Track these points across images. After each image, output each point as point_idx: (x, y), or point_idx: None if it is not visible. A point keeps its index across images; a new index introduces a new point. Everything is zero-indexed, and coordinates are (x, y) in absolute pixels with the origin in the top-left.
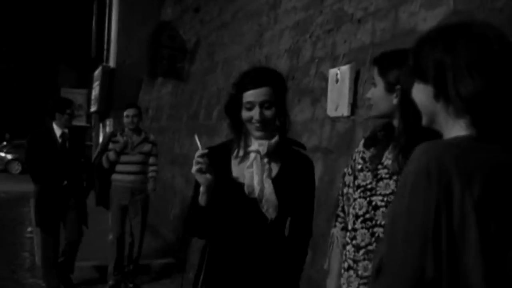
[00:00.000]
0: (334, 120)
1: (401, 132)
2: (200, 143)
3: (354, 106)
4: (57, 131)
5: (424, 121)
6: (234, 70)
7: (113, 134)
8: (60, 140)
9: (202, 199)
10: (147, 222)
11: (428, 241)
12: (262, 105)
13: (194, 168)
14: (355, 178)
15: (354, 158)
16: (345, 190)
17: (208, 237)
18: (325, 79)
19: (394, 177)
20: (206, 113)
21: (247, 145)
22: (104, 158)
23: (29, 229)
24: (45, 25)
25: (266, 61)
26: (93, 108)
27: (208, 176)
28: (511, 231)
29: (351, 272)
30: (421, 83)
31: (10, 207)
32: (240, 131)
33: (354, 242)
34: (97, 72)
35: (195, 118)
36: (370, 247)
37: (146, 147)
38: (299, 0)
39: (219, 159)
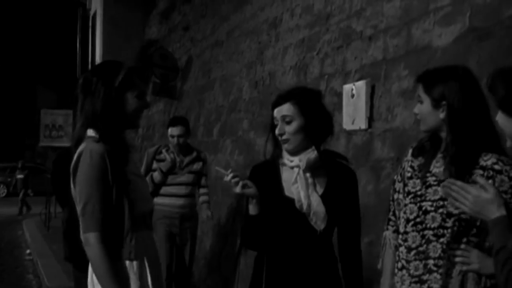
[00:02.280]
0: (351, 133)
1: (450, 143)
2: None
3: (370, 119)
4: None
5: (509, 144)
6: (234, 87)
7: (157, 151)
8: None
9: (253, 210)
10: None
11: None
12: (282, 120)
13: (239, 187)
14: (405, 185)
15: (403, 166)
16: (395, 196)
17: (263, 248)
18: (337, 94)
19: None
20: (205, 130)
21: (289, 161)
22: (148, 179)
23: (28, 251)
24: (23, 47)
25: (270, 78)
26: None
27: (253, 188)
28: None
29: (404, 271)
30: (509, 117)
31: (3, 231)
32: (278, 146)
33: (406, 244)
34: None
35: (193, 135)
36: (420, 248)
37: (197, 166)
38: (302, 18)
39: (267, 176)
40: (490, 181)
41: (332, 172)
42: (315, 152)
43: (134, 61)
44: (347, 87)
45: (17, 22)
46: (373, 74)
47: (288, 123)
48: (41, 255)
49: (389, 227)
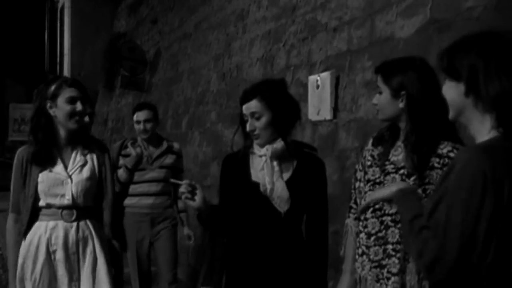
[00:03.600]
0: (316, 123)
1: (410, 132)
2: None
3: (335, 110)
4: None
5: (451, 115)
6: (202, 79)
7: (122, 146)
8: None
9: (204, 214)
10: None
11: (483, 228)
12: (252, 116)
13: (183, 199)
14: (365, 173)
15: (364, 155)
16: (357, 185)
17: (227, 230)
18: (303, 86)
19: (400, 171)
20: (173, 123)
21: (258, 150)
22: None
23: None
24: None
25: (237, 70)
26: None
27: (197, 199)
28: None
29: (364, 257)
30: (453, 81)
31: None
32: (247, 139)
33: (366, 230)
34: None
35: (162, 128)
36: (379, 234)
37: (169, 159)
38: (268, 10)
39: (237, 164)
40: (445, 168)
41: (300, 161)
42: (282, 142)
43: (103, 53)
44: (312, 78)
45: None
46: (337, 65)
47: (258, 119)
48: None
49: (351, 214)
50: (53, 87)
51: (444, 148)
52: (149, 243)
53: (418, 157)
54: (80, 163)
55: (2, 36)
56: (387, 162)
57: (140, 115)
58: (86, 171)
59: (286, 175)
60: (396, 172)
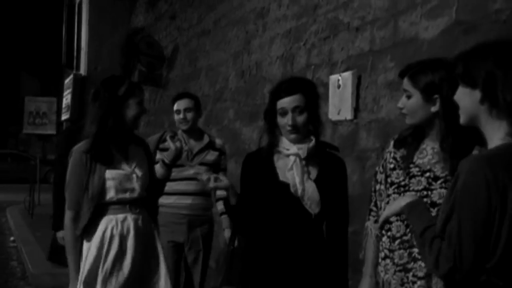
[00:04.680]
0: (336, 123)
1: (446, 135)
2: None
3: (356, 110)
4: None
5: (463, 120)
6: (220, 76)
7: (161, 139)
8: None
9: (233, 200)
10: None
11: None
12: (294, 110)
13: (211, 182)
14: (388, 176)
15: (385, 158)
16: (377, 187)
17: (256, 233)
18: (323, 85)
19: (426, 174)
20: None
21: (285, 149)
22: None
23: (12, 238)
24: (7, 34)
25: (256, 68)
26: (64, 117)
27: (224, 180)
28: None
29: (388, 260)
30: (467, 87)
31: None
32: (275, 135)
33: (389, 233)
34: (68, 80)
35: (172, 122)
36: (405, 238)
37: (210, 156)
38: (289, 8)
39: (261, 163)
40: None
41: (324, 161)
42: (313, 141)
43: (120, 49)
44: (333, 77)
45: (1, 9)
46: (359, 65)
47: (300, 113)
48: (25, 242)
49: (371, 217)
50: (123, 88)
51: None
52: (183, 249)
53: (458, 161)
54: (137, 158)
55: (19, 30)
56: (411, 165)
57: (180, 104)
58: (144, 165)
59: (313, 176)
60: (421, 175)
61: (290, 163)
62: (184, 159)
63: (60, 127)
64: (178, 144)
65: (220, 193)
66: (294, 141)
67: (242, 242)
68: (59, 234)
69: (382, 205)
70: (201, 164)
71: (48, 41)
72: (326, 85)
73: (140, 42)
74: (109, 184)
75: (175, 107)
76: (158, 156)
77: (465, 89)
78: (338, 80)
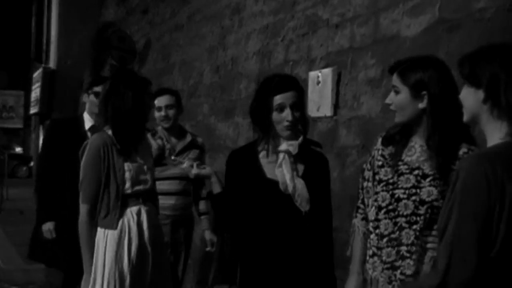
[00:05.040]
0: (316, 120)
1: (433, 132)
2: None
3: (336, 106)
4: (88, 122)
5: (466, 118)
6: (194, 72)
7: None
8: (89, 137)
9: (216, 188)
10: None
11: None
12: (292, 106)
13: (194, 169)
14: (375, 173)
15: (373, 155)
16: (365, 184)
17: (242, 230)
18: (302, 81)
19: (415, 172)
20: None
21: (275, 146)
22: None
23: None
24: None
25: (232, 63)
26: (33, 110)
27: (207, 168)
28: None
29: (375, 258)
30: (472, 87)
31: None
32: (269, 132)
33: (377, 231)
34: (37, 74)
35: (152, 119)
36: (392, 235)
37: (193, 154)
38: (266, 4)
39: (246, 160)
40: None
41: (308, 158)
42: (302, 138)
43: (91, 42)
44: (312, 74)
45: None
46: (339, 62)
47: (297, 110)
48: None
49: (358, 214)
50: (139, 84)
51: (460, 150)
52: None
53: (443, 158)
54: (144, 150)
55: None
56: (400, 163)
57: (161, 100)
58: (150, 158)
59: (300, 173)
60: (410, 173)
61: (280, 160)
62: (166, 157)
63: (28, 120)
64: (160, 142)
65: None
66: (289, 138)
67: (225, 243)
68: (45, 227)
69: (370, 202)
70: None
71: (16, 34)
72: (304, 82)
73: (111, 36)
74: (128, 176)
75: (156, 103)
76: None
77: (470, 89)
78: (318, 76)
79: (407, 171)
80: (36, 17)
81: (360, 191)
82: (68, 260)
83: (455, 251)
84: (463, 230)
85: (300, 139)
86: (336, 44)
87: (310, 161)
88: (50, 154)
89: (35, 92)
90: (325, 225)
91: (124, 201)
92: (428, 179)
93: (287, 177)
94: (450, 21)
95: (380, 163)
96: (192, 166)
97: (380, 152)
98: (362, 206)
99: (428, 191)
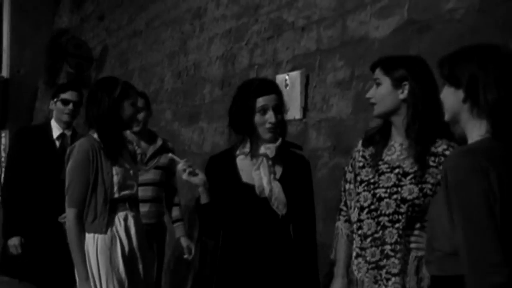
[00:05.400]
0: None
1: (412, 121)
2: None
3: (305, 109)
4: (55, 129)
5: (447, 117)
6: (155, 77)
7: None
8: (57, 145)
9: (203, 198)
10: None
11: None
12: (274, 109)
13: (185, 174)
14: (357, 174)
15: (353, 157)
16: (347, 186)
17: (220, 237)
18: None
19: (395, 171)
20: None
21: (256, 149)
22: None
23: None
24: None
25: (194, 68)
26: None
27: (200, 175)
28: None
29: (360, 259)
30: (452, 87)
31: None
32: (252, 135)
33: (360, 231)
34: None
35: None
36: (376, 235)
37: (164, 159)
38: (228, 8)
39: (224, 165)
40: (441, 167)
41: (287, 160)
42: (280, 141)
43: (45, 50)
44: (280, 77)
45: None
46: (306, 64)
47: (279, 112)
48: None
49: (341, 217)
50: (118, 90)
51: (439, 147)
52: None
53: (422, 147)
54: (127, 156)
55: None
56: (380, 162)
57: None
58: (132, 163)
59: (277, 176)
60: (391, 172)
61: (257, 163)
62: (138, 163)
63: None
64: (130, 147)
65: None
66: (270, 140)
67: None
68: (11, 242)
69: (352, 204)
70: (156, 168)
71: None
72: None
73: (67, 43)
74: (116, 180)
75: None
76: None
77: (450, 89)
78: (286, 79)
79: (388, 170)
80: None
81: (343, 193)
82: (40, 273)
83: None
84: (468, 216)
85: (279, 141)
86: (303, 47)
87: (289, 163)
88: (17, 164)
89: None
90: (306, 228)
91: (112, 206)
92: (408, 177)
93: (264, 180)
94: (419, 22)
95: (361, 164)
96: (184, 170)
97: (361, 153)
98: (344, 208)
99: (409, 189)
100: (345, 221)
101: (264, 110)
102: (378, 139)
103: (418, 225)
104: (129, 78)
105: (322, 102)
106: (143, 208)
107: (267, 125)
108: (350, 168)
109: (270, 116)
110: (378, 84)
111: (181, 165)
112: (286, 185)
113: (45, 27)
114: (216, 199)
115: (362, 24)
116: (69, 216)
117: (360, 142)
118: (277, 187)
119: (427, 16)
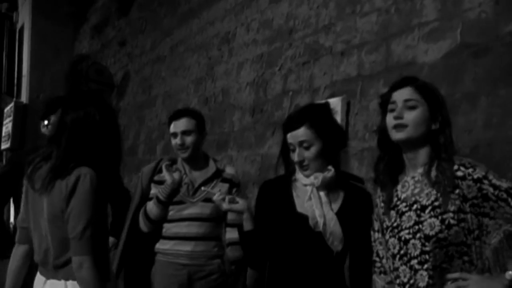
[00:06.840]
0: None
1: (445, 148)
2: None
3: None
4: None
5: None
6: (180, 104)
7: (156, 168)
8: None
9: (247, 225)
10: None
11: None
12: (300, 145)
13: (226, 203)
14: (382, 221)
15: (376, 204)
16: (375, 236)
17: (268, 267)
18: None
19: (414, 207)
20: (147, 148)
21: (303, 179)
22: (141, 214)
23: None
24: None
25: (222, 94)
26: (4, 145)
27: (241, 202)
28: None
29: None
30: None
31: None
32: (290, 170)
33: (398, 280)
34: (9, 108)
35: (133, 153)
36: (411, 281)
37: (219, 189)
38: (259, 33)
39: (279, 191)
40: (457, 190)
41: (347, 193)
42: (332, 171)
43: (64, 76)
44: None
45: None
46: (346, 90)
47: (307, 148)
48: None
49: (376, 269)
50: None
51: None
52: None
53: (448, 180)
54: None
55: None
56: (398, 202)
57: (177, 125)
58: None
59: (335, 207)
60: (410, 210)
61: (308, 193)
62: (183, 194)
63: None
64: (176, 175)
65: (231, 217)
66: (308, 176)
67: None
68: None
69: (384, 253)
70: (205, 200)
71: None
72: None
73: (89, 69)
74: None
75: (171, 129)
76: (153, 190)
77: None
78: None
79: (406, 208)
80: (7, 50)
81: (373, 244)
82: None
83: None
84: None
85: (331, 172)
86: (342, 73)
87: (348, 196)
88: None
89: (6, 127)
90: (364, 269)
91: None
92: (427, 211)
93: (317, 212)
94: (475, 46)
95: (383, 210)
96: (224, 199)
97: (381, 199)
98: (377, 259)
99: (430, 224)
100: (380, 272)
101: (293, 148)
102: (383, 179)
103: (458, 262)
104: (152, 104)
105: (364, 130)
106: (186, 247)
107: (296, 164)
108: (375, 216)
109: (296, 154)
110: (413, 108)
111: (217, 196)
112: (344, 219)
113: (65, 53)
114: (263, 226)
115: (409, 48)
116: (86, 265)
117: (379, 188)
118: (332, 219)
119: (484, 39)
